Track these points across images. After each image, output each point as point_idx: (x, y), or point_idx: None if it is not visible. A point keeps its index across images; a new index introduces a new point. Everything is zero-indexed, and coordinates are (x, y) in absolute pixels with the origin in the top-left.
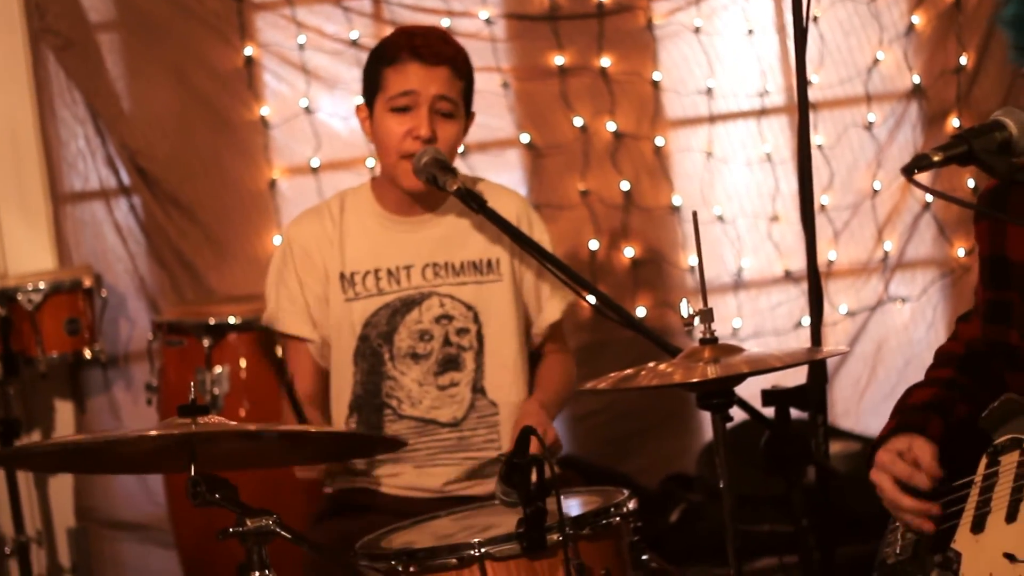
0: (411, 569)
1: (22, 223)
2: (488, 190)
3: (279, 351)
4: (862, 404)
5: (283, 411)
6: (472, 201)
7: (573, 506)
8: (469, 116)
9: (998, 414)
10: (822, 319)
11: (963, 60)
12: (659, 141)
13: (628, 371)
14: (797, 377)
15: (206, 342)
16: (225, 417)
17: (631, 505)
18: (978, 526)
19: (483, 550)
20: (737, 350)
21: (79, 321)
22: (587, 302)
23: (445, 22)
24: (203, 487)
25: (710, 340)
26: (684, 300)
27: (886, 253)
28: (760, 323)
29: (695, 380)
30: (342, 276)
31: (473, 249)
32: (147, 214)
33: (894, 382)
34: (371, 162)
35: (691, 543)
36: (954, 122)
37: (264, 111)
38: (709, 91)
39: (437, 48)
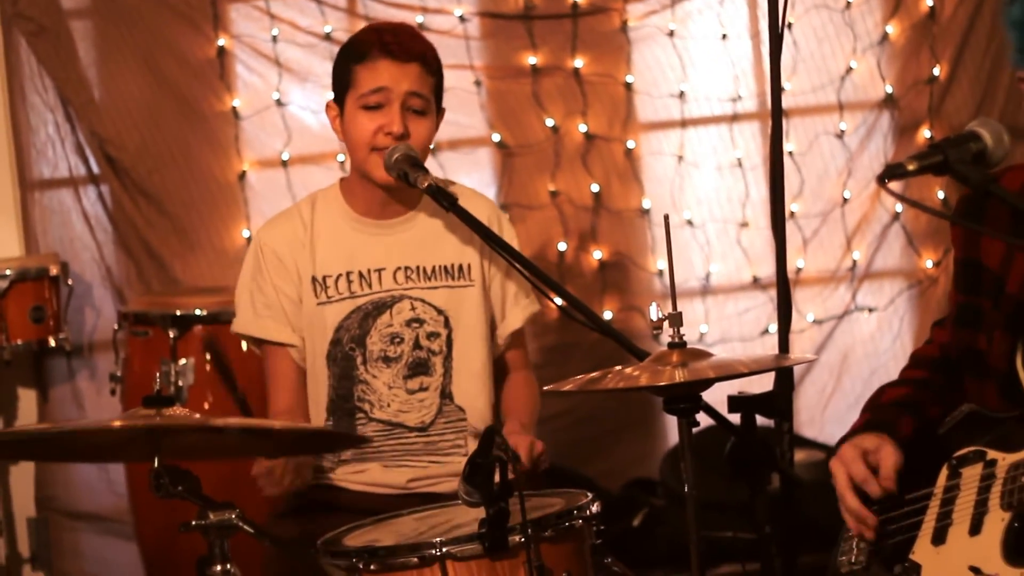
0: (372, 567)
1: None
2: (460, 193)
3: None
4: (826, 413)
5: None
6: (443, 199)
7: (536, 508)
8: (440, 112)
9: (957, 425)
10: (790, 326)
11: (936, 71)
12: (630, 144)
13: (594, 373)
14: (763, 384)
15: (172, 333)
16: (190, 409)
17: (594, 508)
18: (939, 538)
19: (445, 550)
20: (705, 355)
21: (44, 309)
22: (554, 303)
23: (419, 18)
24: (166, 479)
25: (678, 344)
26: (653, 304)
27: (854, 262)
28: (727, 329)
29: (662, 384)
30: (314, 280)
31: (445, 253)
32: (115, 203)
33: (859, 392)
34: (342, 157)
35: (653, 548)
36: (925, 133)
37: (235, 103)
38: (682, 95)
39: (408, 45)
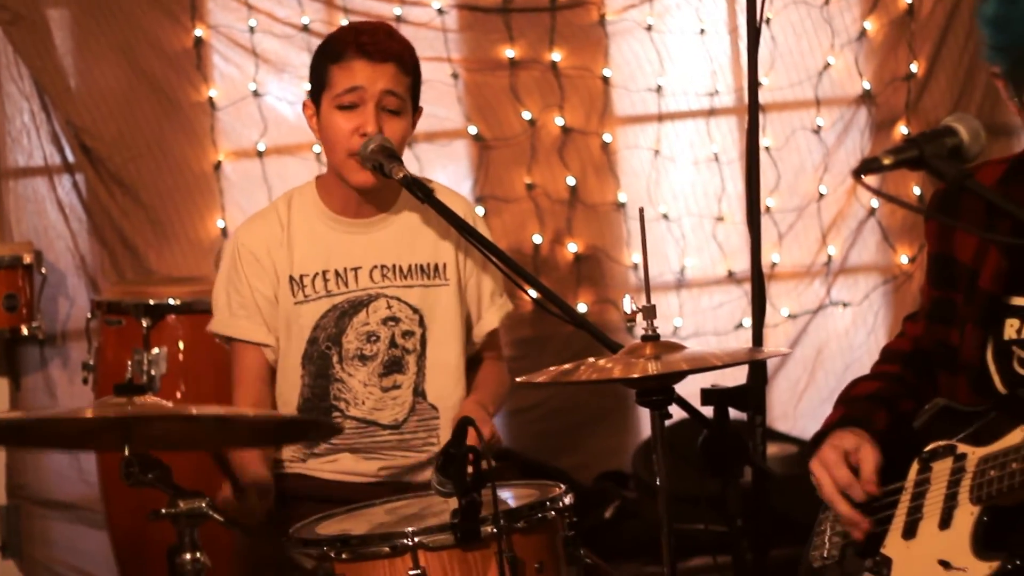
0: (343, 556)
1: None
2: (437, 190)
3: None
4: (799, 407)
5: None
6: (418, 190)
7: (508, 499)
8: (416, 112)
9: (929, 419)
10: (764, 320)
11: (914, 68)
12: (607, 137)
13: (567, 365)
14: (736, 378)
15: (145, 323)
16: (162, 398)
17: (567, 500)
18: (909, 532)
19: (416, 539)
20: (678, 347)
21: (17, 297)
22: (529, 296)
23: (397, 10)
24: (136, 467)
25: (652, 336)
26: (627, 296)
27: (829, 257)
28: (701, 323)
29: (635, 376)
30: (291, 279)
31: (421, 253)
32: (90, 192)
33: (833, 386)
34: (318, 148)
35: (625, 540)
36: (902, 129)
37: (212, 93)
38: (659, 89)
39: (383, 44)
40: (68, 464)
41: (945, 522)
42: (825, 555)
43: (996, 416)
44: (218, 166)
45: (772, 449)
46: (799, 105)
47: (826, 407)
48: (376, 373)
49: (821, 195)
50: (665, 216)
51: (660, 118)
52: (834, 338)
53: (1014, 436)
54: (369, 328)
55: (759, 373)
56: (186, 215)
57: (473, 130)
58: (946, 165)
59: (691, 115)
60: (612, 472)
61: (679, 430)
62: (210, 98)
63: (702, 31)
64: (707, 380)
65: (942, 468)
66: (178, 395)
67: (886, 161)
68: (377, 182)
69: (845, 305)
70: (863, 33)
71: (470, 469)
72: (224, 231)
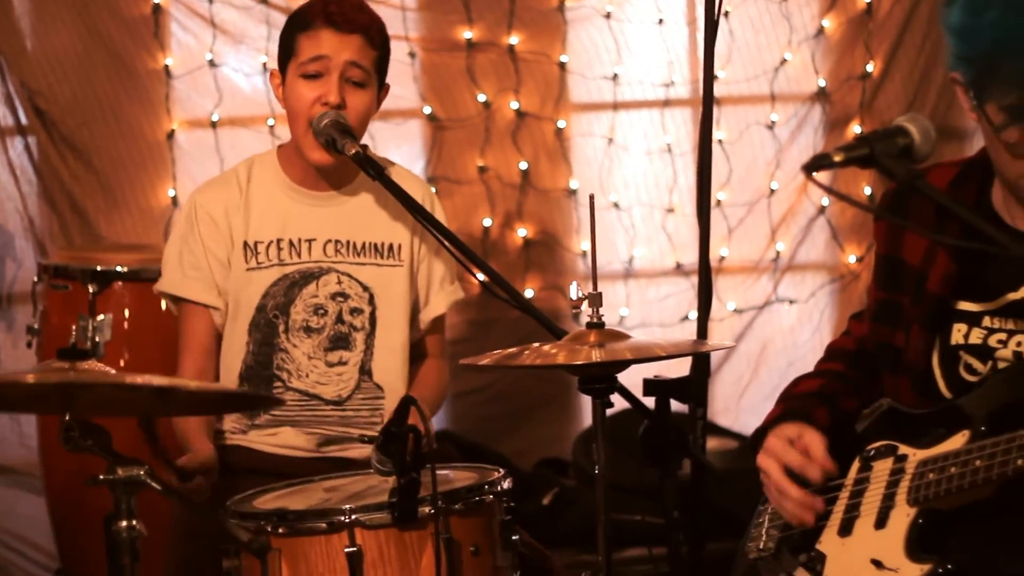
0: (280, 530)
1: None
2: (395, 173)
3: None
4: (742, 403)
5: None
6: (369, 167)
7: (447, 481)
8: (383, 88)
9: (874, 420)
10: (709, 313)
11: (870, 67)
12: (561, 123)
13: (512, 349)
14: (680, 370)
15: (91, 288)
16: (105, 365)
17: (505, 484)
18: (845, 529)
19: (354, 517)
20: (623, 336)
21: None
22: (477, 279)
23: None
24: (76, 432)
25: (597, 324)
26: (574, 283)
27: (778, 253)
28: (647, 313)
29: (579, 363)
30: (245, 244)
31: (376, 231)
32: (42, 155)
33: (776, 383)
34: (272, 121)
35: (562, 528)
36: (856, 128)
37: (168, 61)
38: (615, 77)
39: (351, 16)
40: (9, 427)
41: (881, 522)
42: (761, 547)
43: (939, 420)
44: (171, 135)
45: (713, 443)
46: (754, 100)
47: (768, 403)
48: (321, 347)
49: (772, 191)
50: (616, 205)
51: (615, 107)
52: (779, 335)
53: (955, 441)
54: (317, 301)
55: (702, 366)
56: (137, 183)
57: (428, 110)
58: (896, 164)
59: (646, 105)
60: (552, 459)
61: (621, 420)
62: (166, 66)
63: (660, 21)
64: (651, 371)
65: (882, 468)
66: (121, 363)
67: (837, 158)
68: (335, 160)
69: (791, 302)
70: (821, 31)
71: (410, 449)
72: (175, 200)
